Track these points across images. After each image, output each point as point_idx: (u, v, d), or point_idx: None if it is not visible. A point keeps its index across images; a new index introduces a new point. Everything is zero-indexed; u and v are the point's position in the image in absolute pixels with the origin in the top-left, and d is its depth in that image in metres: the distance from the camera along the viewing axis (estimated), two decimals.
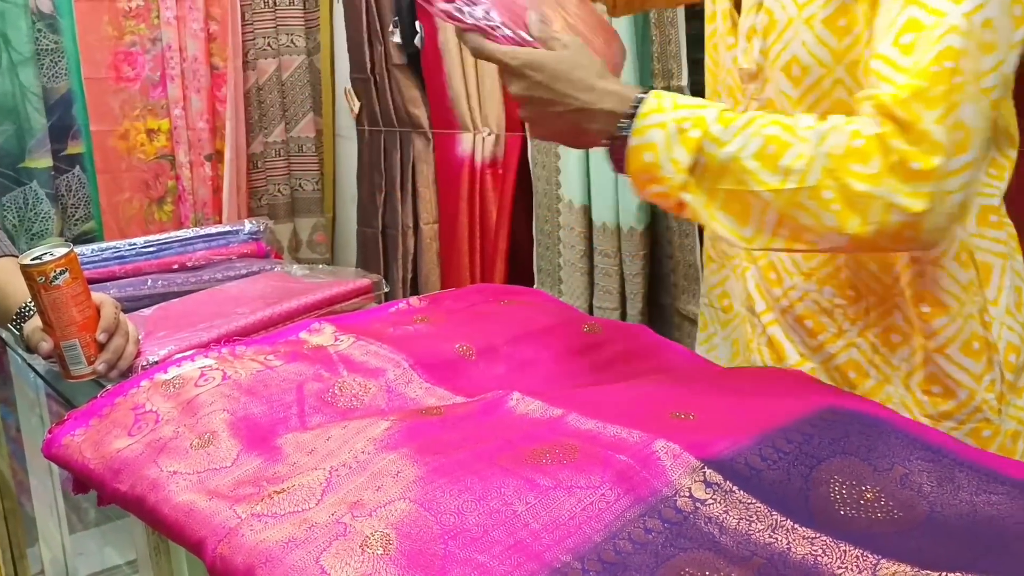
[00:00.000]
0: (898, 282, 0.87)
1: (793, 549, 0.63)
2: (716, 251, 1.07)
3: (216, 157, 2.49)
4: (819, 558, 0.62)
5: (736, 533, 0.65)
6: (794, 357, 0.95)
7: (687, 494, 0.68)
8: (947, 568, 0.59)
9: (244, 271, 1.43)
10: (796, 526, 0.65)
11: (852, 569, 0.60)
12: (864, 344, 0.90)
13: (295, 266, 1.45)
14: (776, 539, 0.64)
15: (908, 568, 0.59)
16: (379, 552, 0.62)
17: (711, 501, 0.67)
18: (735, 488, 0.68)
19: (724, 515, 0.66)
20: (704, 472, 0.69)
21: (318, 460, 0.77)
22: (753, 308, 0.98)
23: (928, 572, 0.59)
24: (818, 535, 0.64)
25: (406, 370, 0.94)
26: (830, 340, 0.92)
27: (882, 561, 0.61)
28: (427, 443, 0.75)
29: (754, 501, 0.67)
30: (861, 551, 0.62)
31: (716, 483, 0.68)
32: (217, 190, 2.49)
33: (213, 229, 1.54)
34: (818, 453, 0.73)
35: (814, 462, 0.72)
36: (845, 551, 0.62)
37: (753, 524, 0.65)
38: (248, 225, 1.56)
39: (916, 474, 0.70)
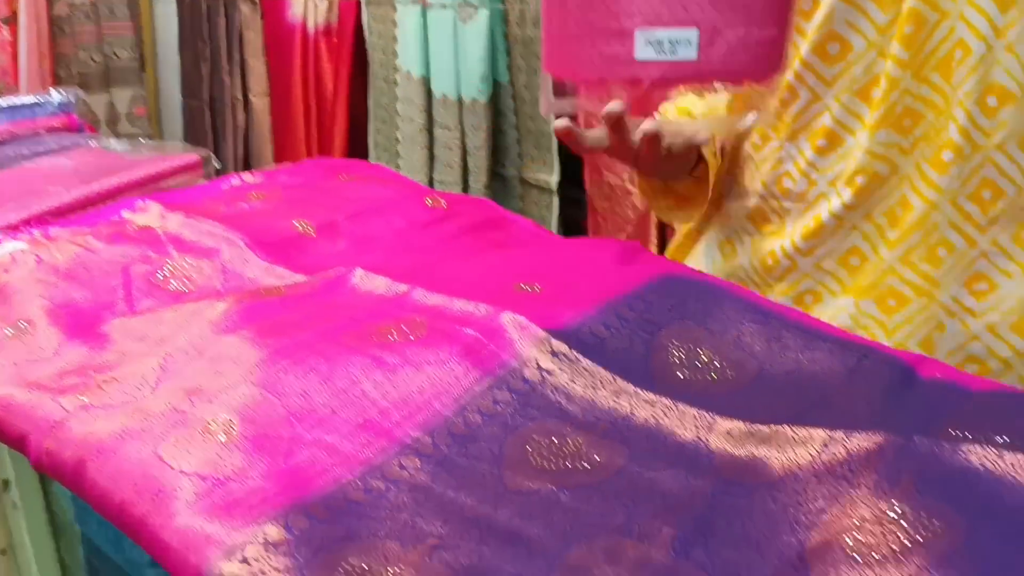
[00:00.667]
0: (960, 87, 0.83)
1: (635, 413, 0.65)
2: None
3: (14, 19, 2.25)
4: (660, 420, 0.64)
5: (582, 400, 0.66)
6: (831, 223, 0.89)
7: (534, 365, 0.68)
8: (776, 422, 0.62)
9: (55, 146, 1.31)
10: (638, 391, 0.67)
11: (690, 428, 0.63)
12: (915, 174, 0.87)
13: (113, 140, 1.34)
14: (619, 404, 0.66)
15: (742, 424, 0.63)
16: (222, 439, 0.60)
17: (557, 371, 0.68)
18: (580, 357, 0.69)
19: (570, 384, 0.67)
20: (550, 343, 0.70)
21: (150, 346, 0.73)
22: (787, 192, 0.92)
23: (759, 427, 0.62)
24: (658, 398, 0.66)
25: (242, 249, 0.90)
26: (878, 187, 0.88)
27: (717, 419, 0.63)
28: (268, 324, 0.73)
29: (599, 369, 0.68)
30: (698, 411, 0.64)
31: (562, 353, 0.69)
32: (18, 56, 2.26)
33: (16, 100, 1.39)
34: (658, 319, 0.75)
35: (654, 328, 0.74)
36: (683, 412, 0.65)
37: (598, 391, 0.67)
38: (56, 95, 1.42)
39: (747, 336, 0.74)
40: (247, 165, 2.26)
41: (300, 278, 0.86)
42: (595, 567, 0.51)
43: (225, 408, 0.63)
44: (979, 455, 0.53)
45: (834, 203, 0.89)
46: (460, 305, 0.74)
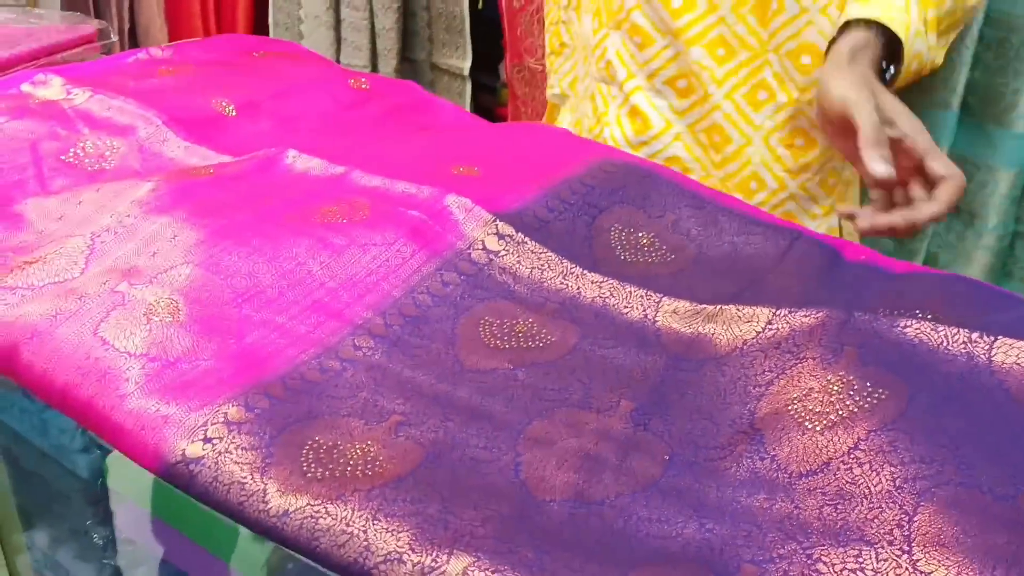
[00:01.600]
0: (775, 36, 0.88)
1: (583, 293, 0.66)
2: (569, 34, 1.02)
3: None
4: (607, 300, 0.66)
5: (530, 281, 0.67)
6: (659, 124, 0.93)
7: (481, 247, 0.68)
8: (719, 301, 0.64)
9: None
10: (585, 272, 0.68)
11: (638, 308, 0.65)
12: (729, 106, 0.91)
13: None
14: (567, 285, 0.67)
15: (687, 303, 0.65)
16: (168, 319, 0.58)
17: (504, 252, 0.68)
18: (526, 239, 0.69)
19: (517, 265, 0.67)
20: (496, 225, 0.70)
21: (73, 227, 0.69)
22: (612, 78, 0.95)
23: (704, 306, 0.64)
24: (605, 279, 0.67)
25: (160, 127, 0.85)
26: (698, 102, 0.92)
27: (664, 299, 0.65)
28: (202, 204, 0.70)
29: (545, 251, 0.69)
30: (645, 291, 0.66)
31: (508, 235, 0.69)
32: None
33: None
34: (599, 203, 0.75)
35: (596, 211, 0.75)
36: (631, 292, 0.66)
37: (545, 272, 0.67)
38: None
39: (685, 220, 0.75)
40: (133, 41, 2.12)
41: (226, 159, 0.82)
42: (559, 439, 0.53)
43: (167, 289, 0.61)
44: (915, 328, 0.56)
45: (656, 101, 0.93)
46: (402, 187, 0.73)
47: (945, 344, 0.55)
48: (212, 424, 0.51)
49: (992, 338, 0.54)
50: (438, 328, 0.62)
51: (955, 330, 0.55)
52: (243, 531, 0.62)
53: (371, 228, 0.68)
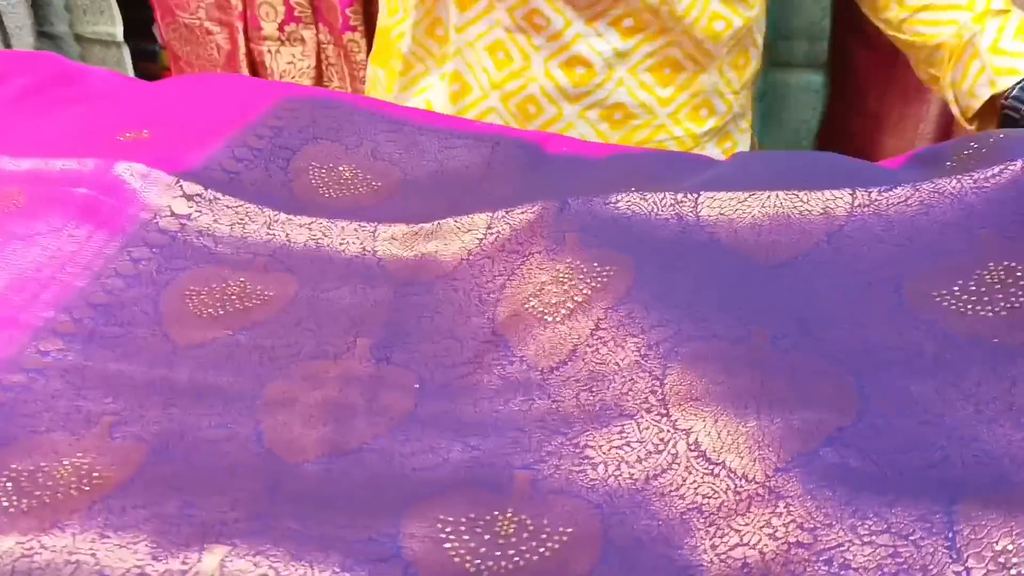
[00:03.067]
0: None
1: (293, 239, 0.61)
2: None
3: None
4: (320, 241, 0.61)
5: (232, 239, 0.61)
6: (603, 72, 0.86)
7: (168, 213, 0.61)
8: (435, 217, 0.62)
9: None
10: (290, 217, 0.63)
11: (354, 242, 0.61)
12: (687, 40, 0.87)
13: None
14: (274, 234, 0.61)
15: (403, 226, 0.62)
16: None
17: (197, 214, 0.61)
18: (218, 195, 0.63)
19: (215, 224, 0.61)
20: (180, 186, 0.63)
21: None
22: (537, 27, 0.85)
23: (421, 225, 0.61)
24: (313, 220, 0.63)
25: None
26: (648, 39, 0.87)
27: (379, 227, 0.62)
28: None
29: (241, 203, 0.63)
30: (358, 223, 0.62)
31: (196, 194, 0.62)
32: None
33: None
34: (290, 144, 0.70)
35: (289, 153, 0.69)
36: (343, 227, 0.62)
37: (248, 226, 0.61)
38: None
39: (384, 146, 0.72)
40: None
41: None
42: (299, 395, 0.48)
43: None
44: (626, 201, 0.57)
45: (598, 46, 0.86)
46: (60, 164, 0.63)
47: (655, 210, 0.56)
48: None
49: (695, 195, 0.56)
50: (137, 311, 0.55)
51: (661, 195, 0.57)
52: None
53: (30, 216, 0.59)
